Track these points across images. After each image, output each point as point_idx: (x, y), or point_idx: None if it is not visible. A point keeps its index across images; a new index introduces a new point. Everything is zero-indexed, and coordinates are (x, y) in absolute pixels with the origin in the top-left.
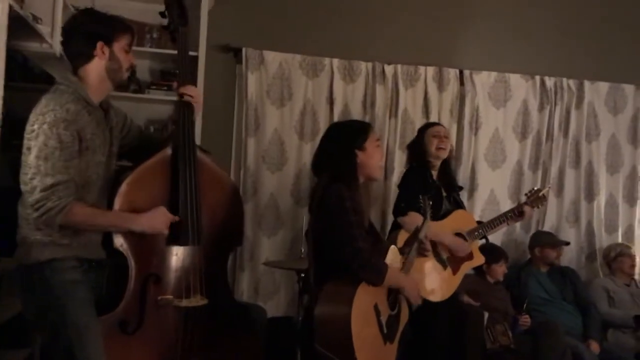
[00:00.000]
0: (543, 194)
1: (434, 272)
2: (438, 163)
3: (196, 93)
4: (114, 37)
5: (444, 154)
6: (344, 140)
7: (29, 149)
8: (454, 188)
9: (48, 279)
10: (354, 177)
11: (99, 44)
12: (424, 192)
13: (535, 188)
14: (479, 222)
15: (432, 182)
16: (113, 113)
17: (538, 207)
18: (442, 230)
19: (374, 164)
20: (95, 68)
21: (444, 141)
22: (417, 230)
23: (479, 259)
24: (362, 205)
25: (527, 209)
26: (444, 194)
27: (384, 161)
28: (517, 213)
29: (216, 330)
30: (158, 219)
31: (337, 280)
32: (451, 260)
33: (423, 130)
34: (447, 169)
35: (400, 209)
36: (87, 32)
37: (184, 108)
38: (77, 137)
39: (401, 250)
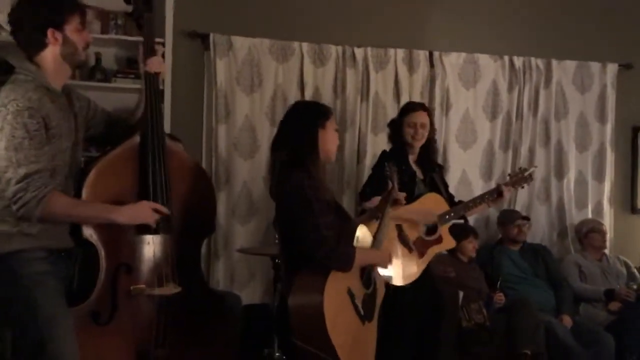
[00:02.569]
0: (529, 174)
1: (398, 255)
2: (416, 149)
3: (160, 62)
4: (63, 21)
5: (419, 144)
6: (307, 117)
7: None
8: (432, 168)
9: (15, 271)
10: (314, 155)
11: (50, 31)
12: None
13: (521, 167)
14: (454, 203)
15: (405, 168)
16: (75, 98)
17: (522, 187)
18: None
19: (331, 147)
20: (51, 54)
21: (418, 132)
22: (387, 196)
23: (449, 243)
24: (323, 188)
25: (505, 190)
26: (421, 177)
27: (357, 145)
28: (495, 194)
29: (190, 318)
30: (143, 211)
31: (308, 271)
32: (418, 244)
33: (402, 114)
34: (427, 150)
35: (365, 194)
36: (35, 19)
37: (151, 81)
38: (43, 124)
39: (373, 213)
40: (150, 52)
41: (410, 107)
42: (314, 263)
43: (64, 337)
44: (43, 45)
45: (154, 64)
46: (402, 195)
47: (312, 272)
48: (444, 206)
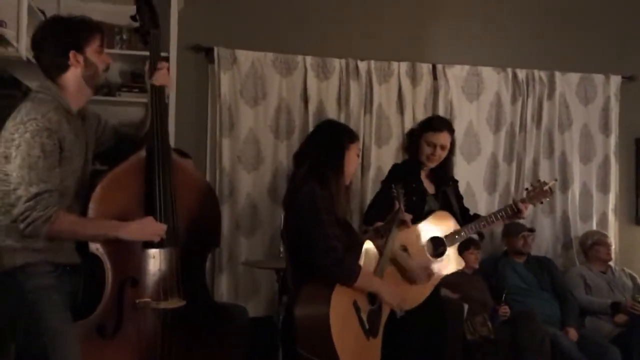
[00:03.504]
0: (549, 188)
1: (399, 283)
2: (429, 166)
3: (166, 75)
4: (84, 43)
5: (434, 165)
6: (337, 135)
7: (6, 157)
8: (446, 183)
9: (21, 285)
10: (338, 173)
11: (72, 54)
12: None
13: (540, 180)
14: (472, 218)
15: (415, 185)
16: (87, 117)
17: (541, 203)
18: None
19: (350, 169)
20: (73, 76)
21: (436, 154)
22: (393, 217)
23: (458, 264)
24: (337, 203)
25: (522, 206)
26: (433, 191)
27: (360, 157)
28: (510, 212)
29: (196, 332)
30: (148, 228)
31: (315, 281)
32: (424, 267)
33: (423, 129)
34: (442, 165)
35: (370, 216)
36: (57, 43)
37: (156, 95)
38: (59, 146)
39: (378, 232)
40: (156, 66)
41: (434, 126)
42: (320, 273)
43: (68, 351)
44: (65, 68)
45: (160, 77)
46: (408, 217)
47: (319, 282)
48: (453, 225)
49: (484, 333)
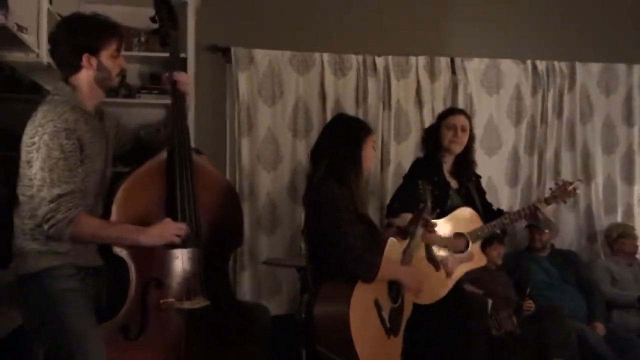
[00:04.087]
0: (573, 188)
1: (426, 273)
2: (452, 156)
3: (186, 78)
4: (100, 47)
5: (458, 149)
6: (352, 131)
7: (29, 161)
8: (469, 178)
9: (46, 288)
10: (356, 168)
11: (85, 56)
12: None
13: (564, 180)
14: (495, 213)
15: (438, 179)
16: (106, 118)
17: (564, 202)
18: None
19: (368, 164)
20: (85, 77)
21: (458, 135)
22: (419, 214)
23: (480, 261)
24: (356, 200)
25: (543, 207)
26: (455, 186)
27: (380, 153)
28: (534, 211)
29: (219, 331)
30: (167, 231)
31: (335, 279)
32: (445, 263)
33: (441, 117)
34: (463, 159)
35: (393, 209)
36: (72, 43)
37: (177, 97)
38: (78, 145)
39: (402, 233)
40: (176, 67)
41: (450, 111)
42: (341, 271)
43: (95, 353)
44: (78, 68)
45: (179, 76)
46: (433, 222)
47: (339, 280)
48: (477, 221)
49: (509, 328)
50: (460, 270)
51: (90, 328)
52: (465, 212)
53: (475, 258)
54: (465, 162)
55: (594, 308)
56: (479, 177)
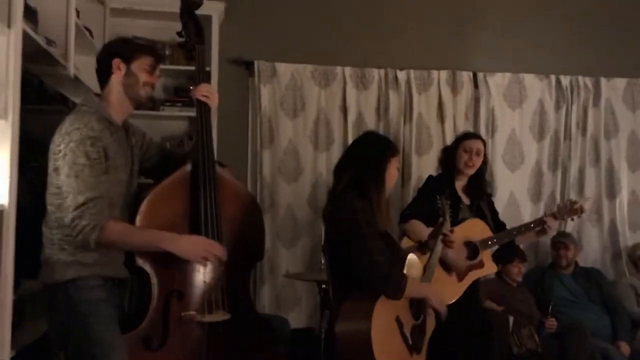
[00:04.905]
0: (580, 206)
1: (437, 277)
2: (465, 176)
3: (211, 90)
4: (132, 57)
5: (471, 171)
6: (379, 148)
7: (56, 169)
8: (480, 197)
9: (73, 298)
10: (379, 185)
11: (115, 61)
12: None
13: (571, 200)
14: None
15: (450, 193)
16: (132, 132)
17: (572, 220)
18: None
19: (390, 183)
20: (114, 85)
21: (473, 159)
22: (438, 230)
23: (490, 268)
24: (378, 216)
25: (550, 221)
26: (466, 202)
27: (401, 167)
28: (541, 226)
29: (240, 344)
30: (196, 248)
31: (355, 297)
32: (457, 268)
33: (459, 140)
34: (476, 180)
35: (404, 215)
36: (107, 52)
37: (203, 110)
38: (104, 153)
39: (421, 248)
40: (202, 81)
41: (467, 135)
42: (365, 288)
43: None
44: (108, 75)
45: (201, 90)
46: (452, 235)
47: (360, 297)
48: (487, 232)
49: (531, 346)
50: (470, 277)
51: (115, 339)
52: (475, 222)
53: (486, 266)
54: (477, 181)
55: (618, 327)
56: (490, 195)
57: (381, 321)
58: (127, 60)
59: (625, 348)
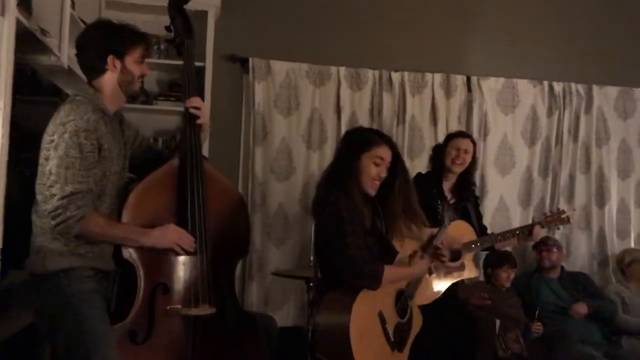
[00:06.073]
0: (567, 217)
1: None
2: (453, 175)
3: (202, 105)
4: (125, 51)
5: (459, 169)
6: (350, 143)
7: (47, 159)
8: (467, 198)
9: (64, 288)
10: (352, 181)
11: (110, 58)
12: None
13: (559, 209)
14: (486, 234)
15: (435, 193)
16: (126, 126)
17: (558, 229)
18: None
19: (366, 178)
20: (109, 80)
21: (460, 157)
22: (432, 238)
23: (471, 272)
24: (362, 213)
25: (537, 229)
26: (453, 202)
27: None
28: (526, 232)
29: (225, 339)
30: (168, 236)
31: (338, 289)
32: (439, 269)
33: (448, 138)
34: (464, 180)
35: None
36: (99, 46)
37: (191, 120)
38: (97, 146)
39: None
40: (190, 79)
41: (457, 134)
42: (344, 282)
43: (110, 355)
44: (102, 71)
45: (194, 101)
46: (445, 251)
47: (343, 290)
48: (471, 235)
49: (516, 350)
50: (450, 280)
51: (107, 329)
52: (460, 225)
53: (466, 269)
54: (465, 182)
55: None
56: (477, 198)
57: (361, 315)
58: (121, 56)
59: (582, 307)
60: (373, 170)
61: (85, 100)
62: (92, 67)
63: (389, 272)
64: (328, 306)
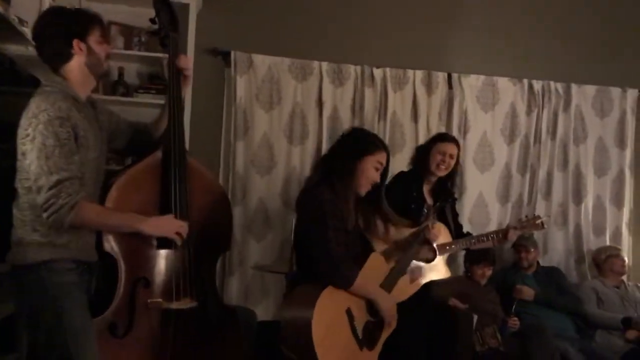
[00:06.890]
0: (541, 222)
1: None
2: (435, 177)
3: (189, 63)
4: (87, 32)
5: (442, 174)
6: (354, 144)
7: (24, 153)
8: (445, 199)
9: (44, 280)
10: (347, 181)
11: (75, 42)
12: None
13: (535, 215)
14: (464, 235)
15: (415, 195)
16: (99, 111)
17: (532, 234)
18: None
19: (363, 181)
20: (76, 65)
21: (446, 161)
22: (414, 238)
23: (445, 274)
24: (346, 211)
25: (511, 232)
26: (430, 204)
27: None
28: (501, 235)
29: (205, 333)
30: (169, 225)
31: (309, 283)
32: (411, 270)
33: (434, 140)
34: (444, 182)
35: None
36: (60, 31)
37: (175, 93)
38: (73, 133)
39: (387, 254)
40: (175, 70)
41: (443, 137)
42: (318, 276)
43: (89, 348)
44: (69, 56)
45: (182, 60)
46: (435, 235)
47: (311, 285)
48: (447, 237)
49: (493, 345)
50: (422, 280)
51: (86, 323)
52: (437, 227)
53: (440, 270)
54: (445, 185)
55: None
56: (455, 199)
57: (326, 310)
58: (84, 38)
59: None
60: (373, 173)
61: (54, 90)
62: (58, 54)
63: (361, 282)
64: (294, 299)
